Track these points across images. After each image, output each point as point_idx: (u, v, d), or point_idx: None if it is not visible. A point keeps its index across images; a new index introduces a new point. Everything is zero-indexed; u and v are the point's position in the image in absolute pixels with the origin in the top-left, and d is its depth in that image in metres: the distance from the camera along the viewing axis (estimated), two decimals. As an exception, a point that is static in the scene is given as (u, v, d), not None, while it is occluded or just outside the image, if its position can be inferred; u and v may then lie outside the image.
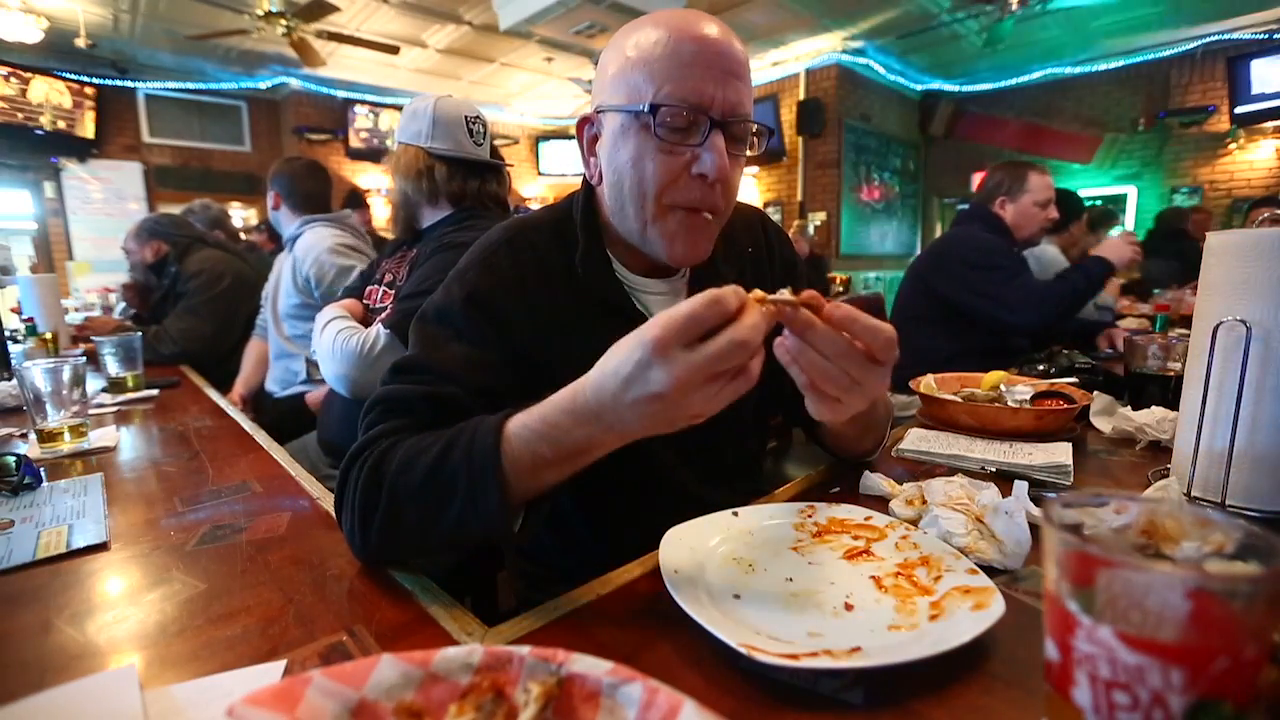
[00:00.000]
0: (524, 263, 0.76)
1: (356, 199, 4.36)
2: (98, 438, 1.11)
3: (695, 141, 0.67)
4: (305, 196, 2.02)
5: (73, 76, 6.06)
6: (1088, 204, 3.31)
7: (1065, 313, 1.93)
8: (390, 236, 1.93)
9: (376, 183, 7.15)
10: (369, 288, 1.51)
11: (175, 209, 3.20)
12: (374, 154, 7.35)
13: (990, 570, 0.56)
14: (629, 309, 0.77)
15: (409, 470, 0.58)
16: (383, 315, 1.35)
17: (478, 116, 1.46)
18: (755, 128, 0.72)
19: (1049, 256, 2.51)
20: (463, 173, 1.43)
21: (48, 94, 5.93)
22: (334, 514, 0.65)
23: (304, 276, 1.88)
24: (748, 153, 0.73)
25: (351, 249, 1.93)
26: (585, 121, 0.75)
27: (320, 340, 1.37)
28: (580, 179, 0.82)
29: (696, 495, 0.79)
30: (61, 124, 6.05)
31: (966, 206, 2.31)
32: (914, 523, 0.67)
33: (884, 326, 0.52)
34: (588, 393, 0.51)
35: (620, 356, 0.49)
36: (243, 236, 4.15)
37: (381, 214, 6.15)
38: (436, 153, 1.40)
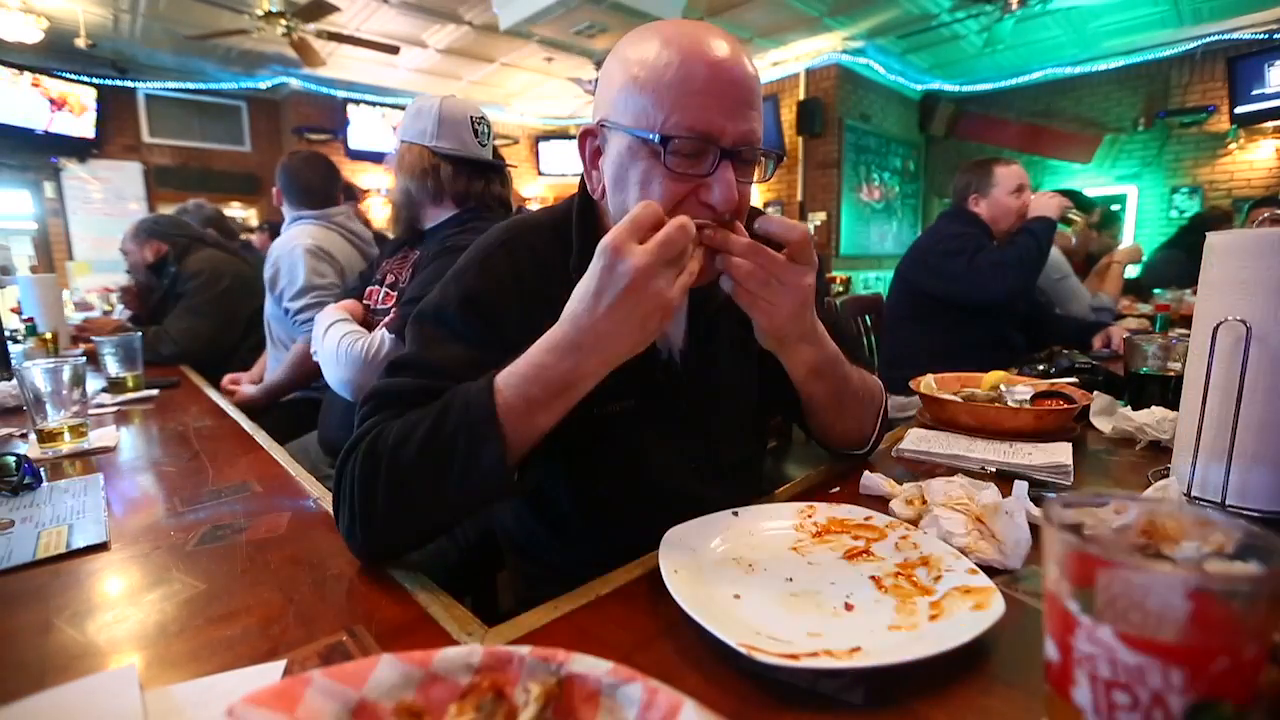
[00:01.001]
0: (521, 264, 0.75)
1: (348, 193, 4.28)
2: (98, 438, 1.11)
3: (704, 171, 0.65)
4: (303, 190, 1.94)
5: (73, 76, 6.06)
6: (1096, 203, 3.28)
7: (1027, 276, 1.99)
8: (390, 235, 1.86)
9: (376, 183, 7.15)
10: (369, 288, 1.51)
11: (174, 209, 3.19)
12: (374, 154, 7.35)
13: (990, 570, 0.56)
14: None
15: (407, 441, 0.60)
16: (386, 320, 1.34)
17: (482, 117, 1.46)
18: (764, 154, 0.69)
19: (1051, 259, 2.49)
20: (467, 172, 1.42)
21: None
22: (332, 513, 0.65)
23: (267, 276, 1.84)
24: (759, 178, 0.72)
25: (327, 255, 1.81)
26: (589, 134, 0.73)
27: (323, 344, 1.37)
28: (579, 180, 0.81)
29: (696, 495, 0.78)
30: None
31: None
32: (914, 523, 0.67)
33: (796, 225, 0.65)
34: (564, 325, 0.59)
35: (584, 282, 0.58)
36: (240, 236, 4.13)
37: (380, 214, 6.15)
38: (441, 151, 1.40)
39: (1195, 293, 0.76)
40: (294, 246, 1.79)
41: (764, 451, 1.06)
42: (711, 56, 0.64)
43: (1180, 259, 3.29)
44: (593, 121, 0.72)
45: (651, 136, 0.64)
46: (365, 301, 1.49)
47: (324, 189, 1.98)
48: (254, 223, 6.93)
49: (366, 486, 0.60)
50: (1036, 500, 0.68)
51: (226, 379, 2.01)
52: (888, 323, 2.35)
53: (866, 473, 0.80)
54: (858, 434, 0.87)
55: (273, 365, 2.00)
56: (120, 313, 3.02)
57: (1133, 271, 3.29)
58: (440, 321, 0.73)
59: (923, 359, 1.67)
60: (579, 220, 0.77)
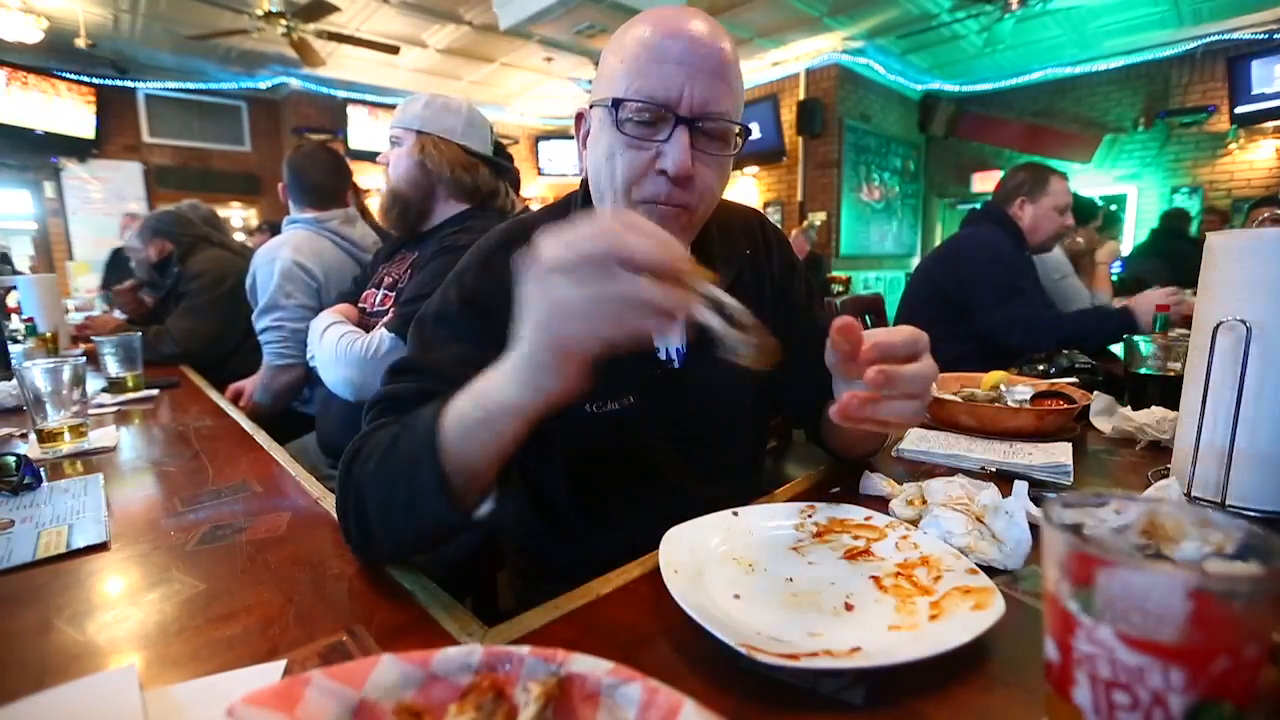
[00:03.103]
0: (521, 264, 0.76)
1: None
2: (98, 438, 1.11)
3: (660, 137, 0.67)
4: (304, 189, 1.86)
5: (73, 76, 6.07)
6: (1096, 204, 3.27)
7: (1062, 344, 1.92)
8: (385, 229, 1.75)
9: (376, 182, 7.15)
10: (365, 292, 1.51)
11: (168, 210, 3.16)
12: (374, 154, 7.36)
13: (990, 570, 0.56)
14: None
15: (370, 457, 0.59)
16: (385, 319, 1.34)
17: (489, 125, 1.53)
18: (735, 127, 0.69)
19: (1052, 259, 2.50)
20: (493, 173, 1.48)
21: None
22: (334, 514, 0.66)
23: (248, 284, 1.81)
24: (729, 152, 0.71)
25: (304, 272, 1.73)
26: (580, 116, 0.77)
27: (321, 345, 1.37)
28: (580, 179, 0.82)
29: (696, 495, 0.78)
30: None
31: (976, 208, 2.28)
32: (914, 523, 0.67)
33: (900, 330, 0.56)
34: (510, 343, 0.52)
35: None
36: (237, 237, 4.11)
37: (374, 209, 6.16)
38: (472, 151, 1.43)
39: (1195, 293, 0.76)
40: (272, 259, 1.74)
41: (764, 451, 1.06)
42: (680, 28, 0.66)
43: (1162, 269, 3.28)
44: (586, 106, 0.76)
45: (608, 102, 0.66)
46: (360, 305, 1.49)
47: (329, 187, 1.89)
48: (254, 223, 6.93)
49: (345, 494, 0.61)
50: (1036, 500, 0.68)
51: (230, 391, 1.98)
52: (906, 321, 2.32)
53: (866, 473, 0.80)
54: (878, 442, 0.90)
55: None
56: (118, 312, 3.01)
57: (1116, 268, 3.30)
58: (441, 324, 0.74)
59: (945, 359, 1.66)
60: (580, 207, 0.79)
